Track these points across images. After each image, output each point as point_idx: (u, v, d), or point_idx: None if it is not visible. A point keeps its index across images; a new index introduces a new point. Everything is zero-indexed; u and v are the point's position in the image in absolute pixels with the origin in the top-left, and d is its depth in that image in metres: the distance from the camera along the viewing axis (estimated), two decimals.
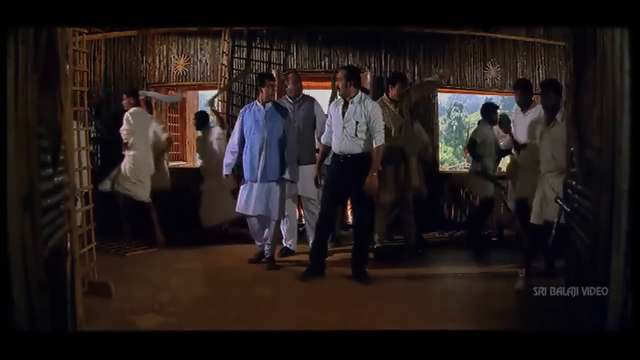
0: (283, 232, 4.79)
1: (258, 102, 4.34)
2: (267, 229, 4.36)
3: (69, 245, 2.01)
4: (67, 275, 1.96)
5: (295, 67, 6.03)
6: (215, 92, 5.79)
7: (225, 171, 4.44)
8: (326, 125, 4.16)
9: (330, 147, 4.10)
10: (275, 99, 4.72)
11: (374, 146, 3.90)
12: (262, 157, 4.22)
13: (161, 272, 4.20)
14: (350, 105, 3.91)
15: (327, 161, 4.28)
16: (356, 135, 3.86)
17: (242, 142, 4.36)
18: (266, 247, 4.38)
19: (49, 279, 1.59)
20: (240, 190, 4.39)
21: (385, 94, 4.74)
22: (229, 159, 4.42)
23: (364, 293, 3.73)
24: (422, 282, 4.07)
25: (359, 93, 3.96)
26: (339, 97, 4.05)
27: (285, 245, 4.77)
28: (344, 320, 3.16)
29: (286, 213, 4.69)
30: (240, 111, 4.55)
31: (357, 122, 3.85)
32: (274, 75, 5.36)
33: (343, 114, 3.92)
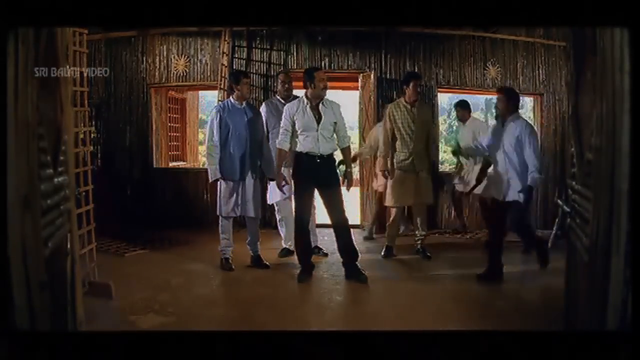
0: (282, 234, 4.79)
1: (233, 99, 4.23)
2: (249, 231, 4.36)
3: (69, 245, 2.01)
4: (67, 275, 1.96)
5: (295, 67, 6.03)
6: None
7: (217, 175, 4.15)
8: (283, 129, 3.99)
9: (287, 152, 4.03)
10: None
11: (342, 147, 4.06)
12: (247, 157, 4.16)
13: (161, 272, 4.20)
14: (322, 107, 3.94)
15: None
16: (332, 135, 3.98)
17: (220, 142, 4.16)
18: (249, 248, 4.38)
19: (49, 279, 1.59)
20: (221, 192, 4.22)
21: (402, 97, 4.64)
22: (214, 162, 4.15)
23: (365, 292, 3.73)
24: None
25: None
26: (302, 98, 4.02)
27: (284, 246, 4.77)
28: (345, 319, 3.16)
29: (284, 215, 4.69)
30: (214, 111, 4.30)
31: (335, 123, 3.97)
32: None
33: (315, 116, 3.93)
